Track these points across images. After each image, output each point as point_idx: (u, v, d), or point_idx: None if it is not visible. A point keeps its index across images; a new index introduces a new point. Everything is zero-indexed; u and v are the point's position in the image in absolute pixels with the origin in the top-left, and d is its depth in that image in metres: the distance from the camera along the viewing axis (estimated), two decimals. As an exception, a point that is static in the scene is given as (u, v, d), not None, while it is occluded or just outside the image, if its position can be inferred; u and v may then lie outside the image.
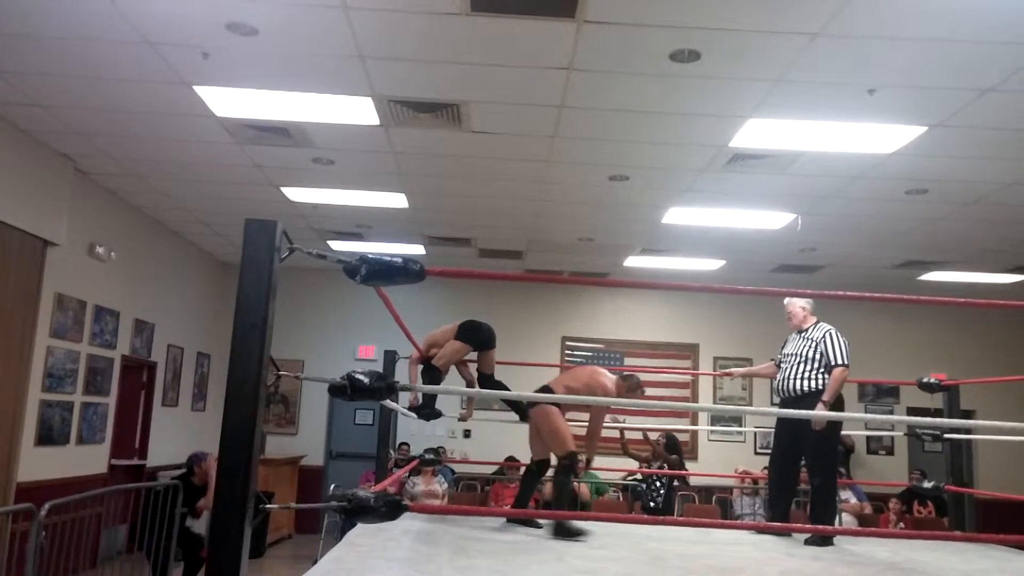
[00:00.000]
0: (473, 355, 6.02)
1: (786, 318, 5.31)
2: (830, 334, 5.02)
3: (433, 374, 5.76)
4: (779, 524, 5.15)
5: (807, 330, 5.15)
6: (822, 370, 4.96)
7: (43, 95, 5.84)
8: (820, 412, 4.75)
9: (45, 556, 5.34)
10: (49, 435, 7.28)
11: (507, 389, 6.05)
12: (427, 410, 6.00)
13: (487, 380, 5.99)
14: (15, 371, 6.62)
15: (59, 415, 7.43)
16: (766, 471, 10.53)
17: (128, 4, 4.47)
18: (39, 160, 6.79)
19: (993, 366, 10.37)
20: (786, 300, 5.29)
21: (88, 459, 7.99)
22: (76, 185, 7.42)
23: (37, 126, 6.45)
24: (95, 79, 5.53)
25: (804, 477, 5.30)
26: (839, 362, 4.91)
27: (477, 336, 5.87)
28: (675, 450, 9.19)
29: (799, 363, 5.05)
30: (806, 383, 4.97)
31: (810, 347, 5.03)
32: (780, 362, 5.28)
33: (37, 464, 7.04)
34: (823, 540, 4.68)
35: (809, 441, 4.95)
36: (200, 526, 6.88)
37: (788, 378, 5.08)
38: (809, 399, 4.92)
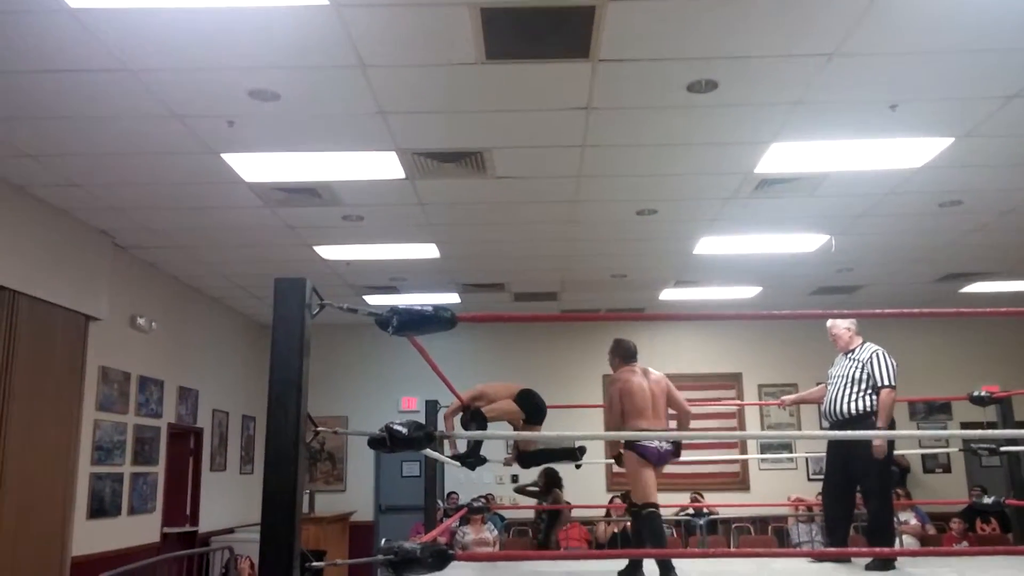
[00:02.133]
0: None
1: (831, 340, 5.23)
2: (877, 355, 4.93)
3: (480, 424, 5.73)
4: (836, 550, 5.02)
5: (854, 351, 5.06)
6: (869, 391, 4.87)
7: (77, 174, 6.01)
8: (876, 433, 4.66)
9: (102, 628, 5.37)
10: (101, 507, 7.35)
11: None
12: (471, 459, 5.96)
13: (526, 458, 5.98)
14: (65, 445, 6.72)
15: (109, 487, 7.51)
16: (820, 497, 10.36)
17: (153, 78, 4.61)
18: (78, 237, 6.96)
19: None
20: (829, 323, 5.23)
21: (140, 529, 8.04)
22: (115, 259, 7.59)
23: (74, 204, 6.62)
24: (126, 155, 5.68)
25: (860, 501, 5.17)
26: (886, 383, 4.81)
27: (536, 411, 5.79)
28: (556, 484, 9.44)
29: (846, 385, 4.96)
30: (853, 405, 4.88)
31: (857, 368, 4.94)
32: (827, 384, 5.19)
33: (90, 537, 7.10)
34: (884, 564, 4.55)
35: (862, 465, 4.83)
36: None
37: (835, 400, 4.99)
38: (857, 421, 4.82)
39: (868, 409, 4.84)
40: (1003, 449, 5.66)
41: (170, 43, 4.22)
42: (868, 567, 4.57)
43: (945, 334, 11.44)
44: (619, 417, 4.75)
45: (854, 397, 4.90)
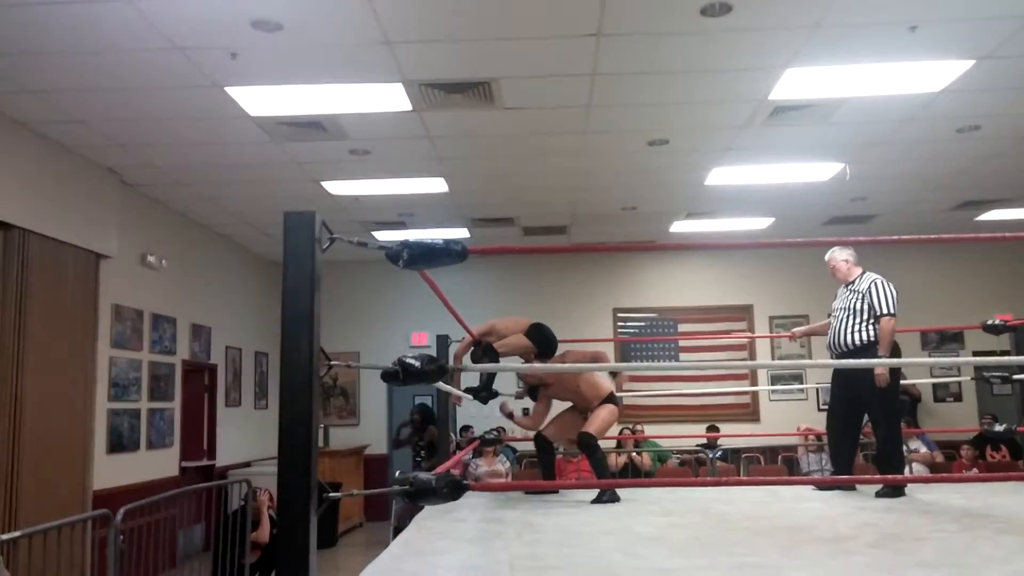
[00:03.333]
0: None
1: (830, 273, 5.20)
2: (876, 283, 4.90)
3: (491, 358, 5.74)
4: (842, 477, 5.06)
5: (854, 282, 5.03)
6: (872, 321, 4.85)
7: (81, 111, 5.95)
8: (883, 360, 4.65)
9: (126, 559, 5.49)
10: (120, 442, 7.48)
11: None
12: (484, 392, 5.98)
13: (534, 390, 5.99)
14: (82, 383, 6.80)
15: (127, 422, 7.62)
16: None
17: (154, 10, 4.51)
18: (85, 175, 6.93)
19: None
20: (827, 255, 5.18)
21: (160, 463, 8.19)
22: (123, 197, 7.56)
23: (79, 141, 6.57)
24: (130, 89, 5.60)
25: (867, 430, 5.20)
26: (886, 311, 4.79)
27: (547, 344, 5.77)
28: (431, 421, 9.10)
29: (848, 316, 4.95)
30: (857, 336, 4.88)
31: (858, 299, 4.92)
32: (830, 317, 5.17)
33: (111, 471, 7.24)
34: (894, 491, 4.59)
35: (869, 393, 4.84)
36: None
37: (838, 332, 4.97)
38: (862, 352, 4.82)
39: (871, 339, 4.83)
40: (1016, 377, 5.66)
41: (169, -28, 4.12)
42: (878, 494, 4.61)
43: (959, 263, 11.35)
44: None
45: (856, 328, 4.89)
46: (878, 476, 5.09)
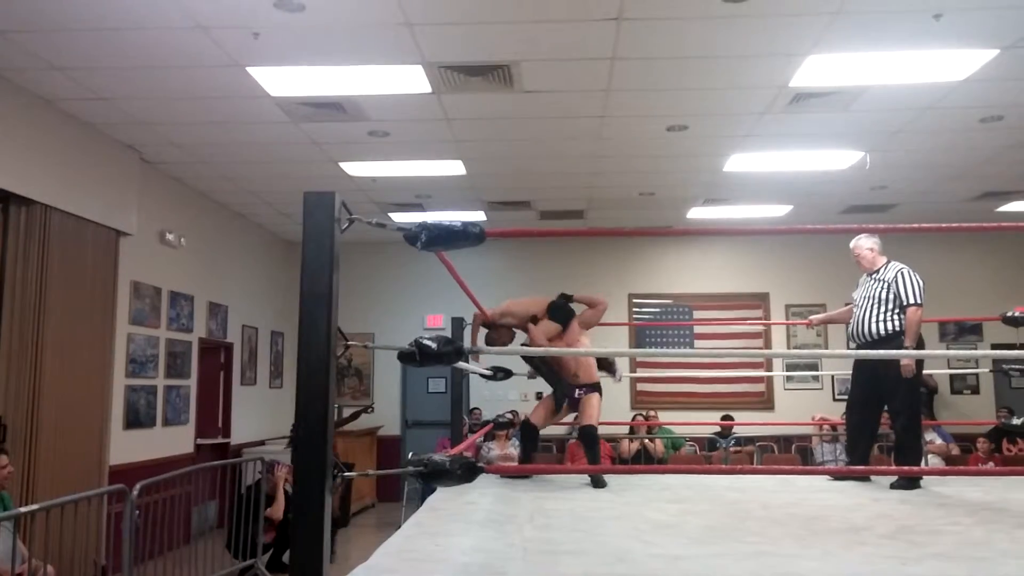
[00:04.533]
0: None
1: (855, 261, 5.15)
2: (902, 273, 4.85)
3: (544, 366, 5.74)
4: (861, 468, 5.04)
5: (879, 271, 4.97)
6: (897, 311, 4.80)
7: (103, 88, 5.97)
8: (906, 352, 4.62)
9: (140, 534, 5.57)
10: (136, 418, 7.55)
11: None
12: (501, 372, 5.98)
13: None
14: (100, 358, 6.86)
15: (144, 399, 7.69)
16: (844, 416, 10.38)
17: (176, -10, 4.52)
18: (105, 152, 6.96)
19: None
20: (852, 243, 5.11)
21: (175, 440, 8.27)
22: (143, 174, 7.60)
23: (101, 119, 6.60)
24: (152, 68, 5.62)
25: (885, 421, 5.17)
26: (912, 301, 4.74)
27: (564, 315, 5.70)
28: None
29: (872, 305, 4.89)
30: (881, 326, 4.82)
31: (883, 288, 4.86)
32: (854, 306, 5.13)
33: (127, 447, 7.32)
34: (910, 483, 4.56)
35: (890, 384, 4.81)
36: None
37: (862, 321, 4.93)
38: (886, 342, 4.77)
39: (896, 329, 4.78)
40: (1034, 370, 5.60)
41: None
42: (893, 485, 4.59)
43: (979, 254, 11.25)
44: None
45: (881, 317, 4.84)
46: (893, 468, 5.07)
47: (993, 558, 2.89)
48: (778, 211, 10.05)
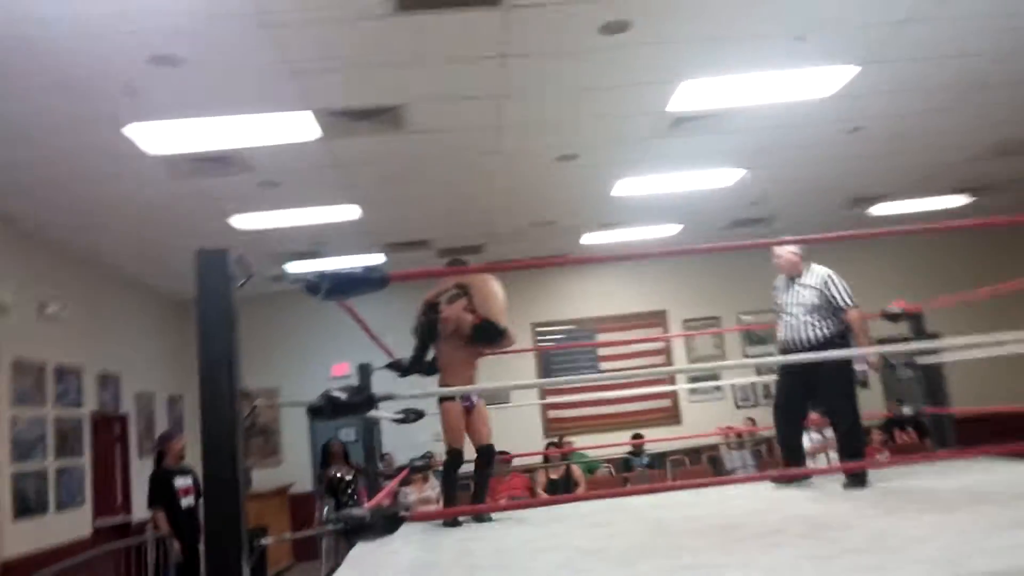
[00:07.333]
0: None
1: (776, 266, 5.15)
2: (830, 278, 4.91)
3: (430, 319, 5.49)
4: (798, 470, 5.06)
5: (802, 276, 5.03)
6: (831, 316, 4.91)
7: (-32, 159, 5.67)
8: (857, 349, 4.79)
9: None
10: (26, 506, 7.04)
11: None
12: (413, 413, 5.67)
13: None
14: (-17, 444, 6.43)
15: (34, 484, 7.21)
16: (748, 423, 10.66)
17: (46, 48, 4.34)
18: (-26, 226, 6.59)
19: (950, 288, 10.51)
20: (776, 251, 5.09)
21: (71, 524, 7.76)
22: (19, 245, 7.23)
23: (-34, 191, 6.26)
24: (21, 135, 5.36)
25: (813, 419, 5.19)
26: (849, 304, 4.88)
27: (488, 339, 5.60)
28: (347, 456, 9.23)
29: (806, 312, 4.93)
30: (818, 331, 4.88)
31: (813, 294, 4.93)
32: (780, 313, 5.12)
33: (19, 538, 6.82)
34: (860, 481, 4.59)
35: (826, 388, 4.89)
36: None
37: (797, 329, 4.94)
38: (825, 346, 4.81)
39: (832, 333, 4.87)
40: (918, 361, 5.89)
41: (63, 11, 3.97)
42: (846, 486, 4.61)
43: (854, 258, 11.66)
44: None
45: (818, 324, 4.89)
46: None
47: (902, 546, 3.01)
48: (670, 230, 10.33)
